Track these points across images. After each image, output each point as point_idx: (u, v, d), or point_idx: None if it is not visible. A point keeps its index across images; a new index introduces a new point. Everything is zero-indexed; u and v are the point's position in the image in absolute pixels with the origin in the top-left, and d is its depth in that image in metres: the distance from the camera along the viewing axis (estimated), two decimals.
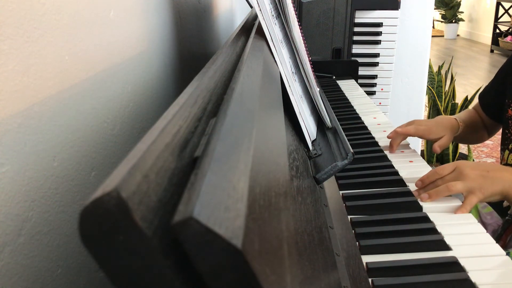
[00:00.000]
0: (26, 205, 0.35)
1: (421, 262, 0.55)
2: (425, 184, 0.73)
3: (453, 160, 2.12)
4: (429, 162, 2.14)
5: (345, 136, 0.73)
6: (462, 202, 0.68)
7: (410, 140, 0.98)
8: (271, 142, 0.33)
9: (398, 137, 0.92)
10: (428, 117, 2.31)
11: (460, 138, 1.06)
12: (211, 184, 0.20)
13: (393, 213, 0.67)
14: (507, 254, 0.56)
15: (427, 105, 2.34)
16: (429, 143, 2.10)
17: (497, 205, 0.90)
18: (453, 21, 6.74)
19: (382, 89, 1.69)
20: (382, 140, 0.97)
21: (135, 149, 0.22)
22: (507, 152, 0.93)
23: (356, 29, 1.61)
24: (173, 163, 0.23)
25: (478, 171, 0.70)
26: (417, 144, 1.99)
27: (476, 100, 1.12)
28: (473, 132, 1.08)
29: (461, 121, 1.01)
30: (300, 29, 0.79)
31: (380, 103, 1.69)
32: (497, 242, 0.59)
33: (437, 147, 0.93)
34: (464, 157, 2.22)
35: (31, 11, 0.36)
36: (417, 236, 0.60)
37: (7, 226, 0.33)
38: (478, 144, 2.72)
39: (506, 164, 0.93)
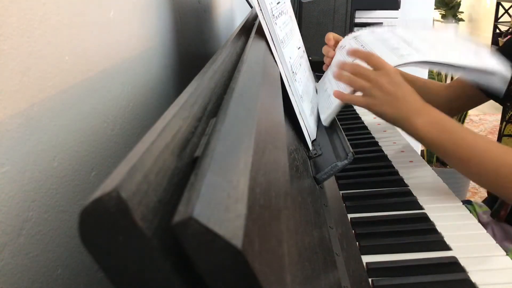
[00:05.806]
0: (26, 205, 0.35)
1: (421, 262, 0.55)
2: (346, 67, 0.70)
3: None
4: (429, 162, 2.14)
5: (345, 136, 0.72)
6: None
7: (410, 140, 0.98)
8: (271, 142, 0.33)
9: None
10: None
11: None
12: (211, 184, 0.20)
13: (393, 213, 0.67)
14: (507, 254, 0.56)
15: None
16: None
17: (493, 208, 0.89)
18: (453, 21, 6.73)
19: None
20: (382, 140, 0.97)
21: (135, 149, 0.22)
22: (504, 123, 0.88)
23: (356, 29, 1.61)
24: (173, 163, 0.23)
25: (394, 88, 0.65)
26: (417, 144, 1.99)
27: None
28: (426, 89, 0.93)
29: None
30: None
31: None
32: (494, 216, 0.56)
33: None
34: None
35: (31, 11, 0.36)
36: (417, 236, 0.60)
37: (7, 226, 0.33)
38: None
39: (502, 135, 0.86)
